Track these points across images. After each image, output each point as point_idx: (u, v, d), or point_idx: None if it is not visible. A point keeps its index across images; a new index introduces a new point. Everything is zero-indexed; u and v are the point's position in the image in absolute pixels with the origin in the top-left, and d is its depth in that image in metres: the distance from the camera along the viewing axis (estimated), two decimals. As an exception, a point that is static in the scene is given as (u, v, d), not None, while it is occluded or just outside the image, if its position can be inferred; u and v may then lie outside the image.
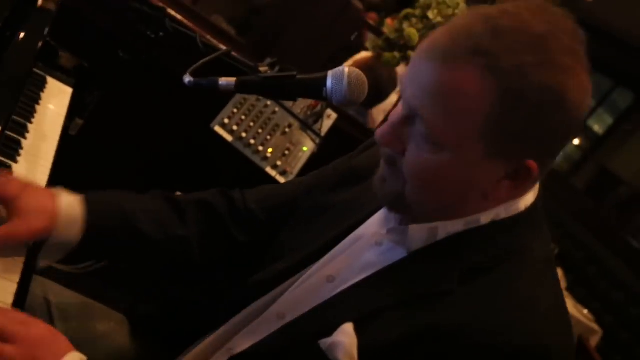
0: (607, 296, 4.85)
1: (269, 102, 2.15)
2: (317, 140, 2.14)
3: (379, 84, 2.85)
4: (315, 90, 1.09)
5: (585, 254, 5.30)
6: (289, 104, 2.18)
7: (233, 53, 1.43)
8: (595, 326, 3.69)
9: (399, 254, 1.04)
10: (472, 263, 0.96)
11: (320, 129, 2.17)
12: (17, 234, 1.06)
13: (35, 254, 1.13)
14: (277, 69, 2.15)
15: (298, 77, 1.09)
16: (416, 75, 0.93)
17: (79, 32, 1.97)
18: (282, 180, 2.12)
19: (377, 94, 2.94)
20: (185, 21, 2.13)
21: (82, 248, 1.16)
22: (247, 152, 2.10)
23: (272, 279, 1.18)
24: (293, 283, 1.16)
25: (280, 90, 1.10)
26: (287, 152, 2.14)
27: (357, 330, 0.97)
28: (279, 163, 2.13)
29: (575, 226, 5.73)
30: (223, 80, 1.09)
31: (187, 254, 1.28)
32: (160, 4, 2.03)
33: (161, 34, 1.72)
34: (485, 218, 0.98)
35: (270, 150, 2.12)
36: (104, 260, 1.25)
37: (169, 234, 1.25)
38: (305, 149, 2.17)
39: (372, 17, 4.22)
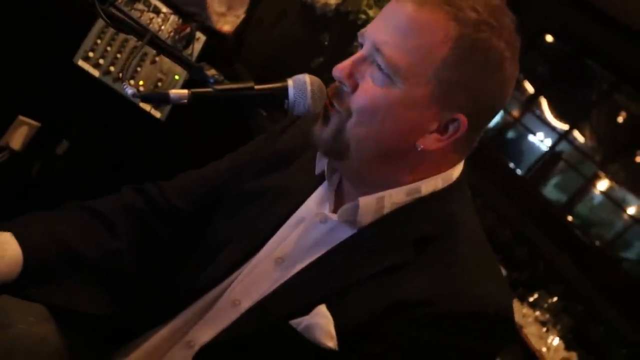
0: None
1: (133, 40, 1.96)
2: (190, 69, 2.03)
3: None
4: (276, 102, 1.05)
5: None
6: (154, 28, 2.00)
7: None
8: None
9: (347, 230, 1.12)
10: (421, 233, 1.07)
11: (191, 54, 2.05)
12: None
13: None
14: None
15: (256, 87, 1.04)
16: (386, 16, 1.04)
17: None
18: (157, 114, 2.02)
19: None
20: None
21: (18, 281, 1.11)
22: (117, 87, 1.94)
23: (222, 272, 1.20)
24: (242, 271, 1.19)
25: (237, 102, 1.04)
26: (159, 84, 2.01)
27: (330, 310, 1.05)
28: (152, 96, 2.00)
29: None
30: (174, 94, 1.01)
31: (120, 266, 1.25)
32: None
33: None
34: (425, 188, 1.10)
35: (141, 82, 1.98)
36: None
37: (103, 251, 1.22)
38: (177, 77, 2.05)
39: None
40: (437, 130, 1.04)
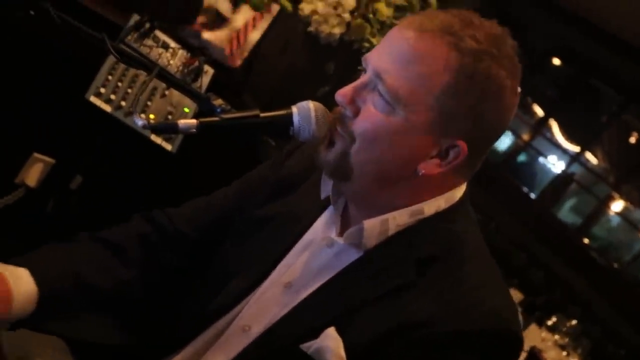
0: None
1: (142, 73, 2.00)
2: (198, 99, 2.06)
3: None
4: (281, 129, 1.08)
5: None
6: (164, 62, 2.05)
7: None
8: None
9: (353, 253, 1.13)
10: (425, 254, 1.08)
11: (200, 87, 2.08)
12: None
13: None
14: (147, 26, 2.01)
15: (262, 115, 1.07)
16: (388, 44, 1.06)
17: None
18: (168, 146, 2.05)
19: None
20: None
21: (34, 316, 1.13)
22: (129, 122, 1.98)
23: (232, 299, 1.22)
24: (251, 297, 1.20)
25: (244, 130, 1.07)
26: (169, 117, 2.05)
27: (338, 332, 1.05)
28: (163, 129, 2.03)
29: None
30: (183, 124, 1.03)
31: (132, 294, 1.27)
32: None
33: (32, 12, 1.52)
34: (428, 209, 1.11)
35: (152, 116, 2.02)
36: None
37: (117, 281, 1.24)
38: (187, 110, 2.09)
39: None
40: (438, 155, 1.06)
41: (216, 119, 1.05)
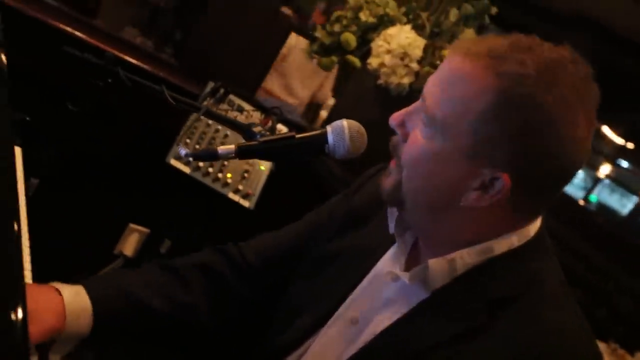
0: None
1: (219, 126, 2.12)
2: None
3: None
4: (317, 148, 1.10)
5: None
6: (239, 124, 2.15)
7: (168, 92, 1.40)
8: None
9: (419, 288, 1.08)
10: (497, 294, 1.01)
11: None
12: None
13: (46, 350, 1.11)
14: (221, 91, 2.12)
15: (297, 136, 1.10)
16: (439, 67, 1.04)
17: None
18: (246, 203, 2.12)
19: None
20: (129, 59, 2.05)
21: (93, 335, 1.15)
22: (207, 181, 2.07)
23: (301, 335, 1.20)
24: (319, 333, 1.19)
25: (281, 152, 1.10)
26: (246, 175, 2.13)
27: None
28: (240, 187, 2.11)
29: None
30: (222, 149, 1.08)
31: (196, 320, 1.29)
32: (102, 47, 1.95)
33: (110, 80, 1.66)
34: (498, 247, 1.03)
35: (229, 175, 2.10)
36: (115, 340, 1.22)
37: (175, 304, 1.26)
38: (262, 168, 2.17)
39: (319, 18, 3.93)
40: (480, 187, 0.98)
41: (254, 142, 1.09)
